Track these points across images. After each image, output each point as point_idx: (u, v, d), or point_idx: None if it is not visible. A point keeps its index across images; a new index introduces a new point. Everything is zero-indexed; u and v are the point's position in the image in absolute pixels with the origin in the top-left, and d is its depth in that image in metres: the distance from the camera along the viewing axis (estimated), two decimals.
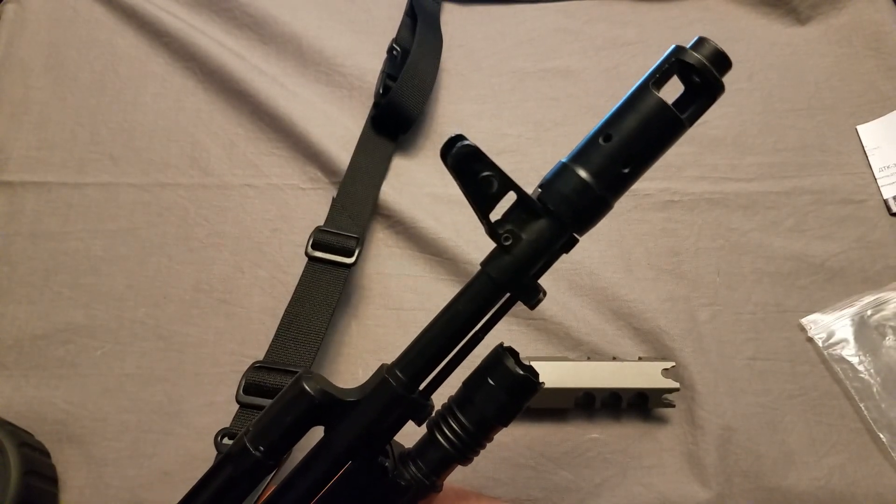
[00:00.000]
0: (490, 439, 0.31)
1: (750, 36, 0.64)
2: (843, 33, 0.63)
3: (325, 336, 0.50)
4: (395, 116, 0.58)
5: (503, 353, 0.30)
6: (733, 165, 0.58)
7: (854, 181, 0.57)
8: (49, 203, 0.56)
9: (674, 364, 0.48)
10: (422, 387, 0.30)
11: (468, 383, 0.31)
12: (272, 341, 0.49)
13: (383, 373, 0.29)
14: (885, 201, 0.56)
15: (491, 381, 0.30)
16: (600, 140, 0.26)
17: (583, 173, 0.26)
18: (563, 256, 0.53)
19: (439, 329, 0.29)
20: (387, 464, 0.30)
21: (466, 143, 0.26)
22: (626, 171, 0.26)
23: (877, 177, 0.57)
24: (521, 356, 0.47)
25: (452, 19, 0.64)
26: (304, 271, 0.51)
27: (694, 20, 0.64)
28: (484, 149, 0.60)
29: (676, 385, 0.47)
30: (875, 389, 0.49)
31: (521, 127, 0.60)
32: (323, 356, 0.51)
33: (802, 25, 0.64)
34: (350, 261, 0.51)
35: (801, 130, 0.59)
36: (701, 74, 0.25)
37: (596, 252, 0.55)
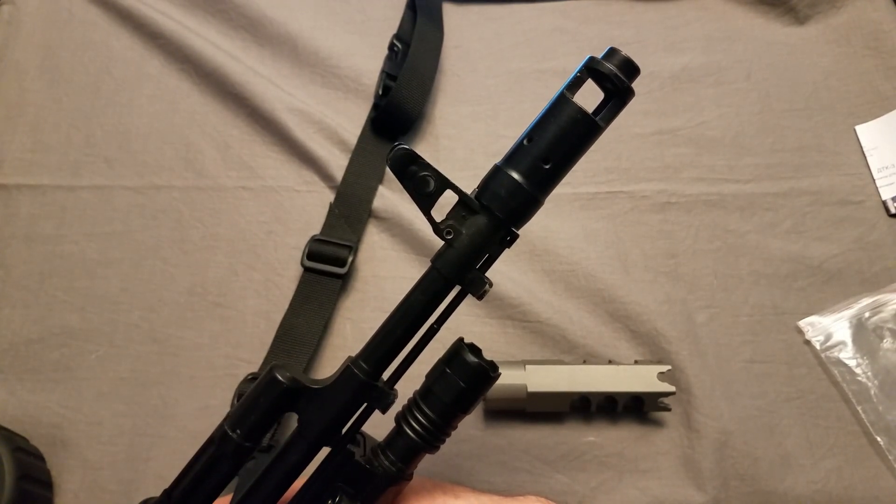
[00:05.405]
0: (454, 427, 0.33)
1: (748, 35, 0.63)
2: (842, 33, 0.62)
3: (321, 339, 0.51)
4: (396, 117, 0.57)
5: (461, 346, 0.32)
6: (731, 166, 0.58)
7: (852, 182, 0.57)
8: (44, 206, 0.55)
9: (670, 367, 0.47)
10: (386, 377, 0.32)
11: (430, 375, 0.33)
12: (267, 353, 0.49)
13: (348, 363, 0.32)
14: (884, 202, 0.56)
15: (448, 371, 0.32)
16: (525, 142, 0.29)
17: (514, 174, 0.29)
18: (561, 258, 0.54)
19: (396, 321, 0.31)
20: (357, 452, 0.33)
21: (403, 146, 0.29)
22: (548, 167, 0.29)
23: (875, 177, 0.57)
24: (521, 359, 0.48)
25: (448, 20, 0.64)
26: (299, 282, 0.52)
27: (691, 20, 0.64)
28: (480, 150, 0.60)
29: (672, 389, 0.46)
30: (873, 392, 0.49)
31: (518, 128, 0.58)
32: (318, 359, 0.51)
33: (801, 25, 0.63)
34: (342, 271, 0.52)
35: (799, 131, 0.59)
36: (611, 81, 0.28)
37: (593, 254, 0.54)
